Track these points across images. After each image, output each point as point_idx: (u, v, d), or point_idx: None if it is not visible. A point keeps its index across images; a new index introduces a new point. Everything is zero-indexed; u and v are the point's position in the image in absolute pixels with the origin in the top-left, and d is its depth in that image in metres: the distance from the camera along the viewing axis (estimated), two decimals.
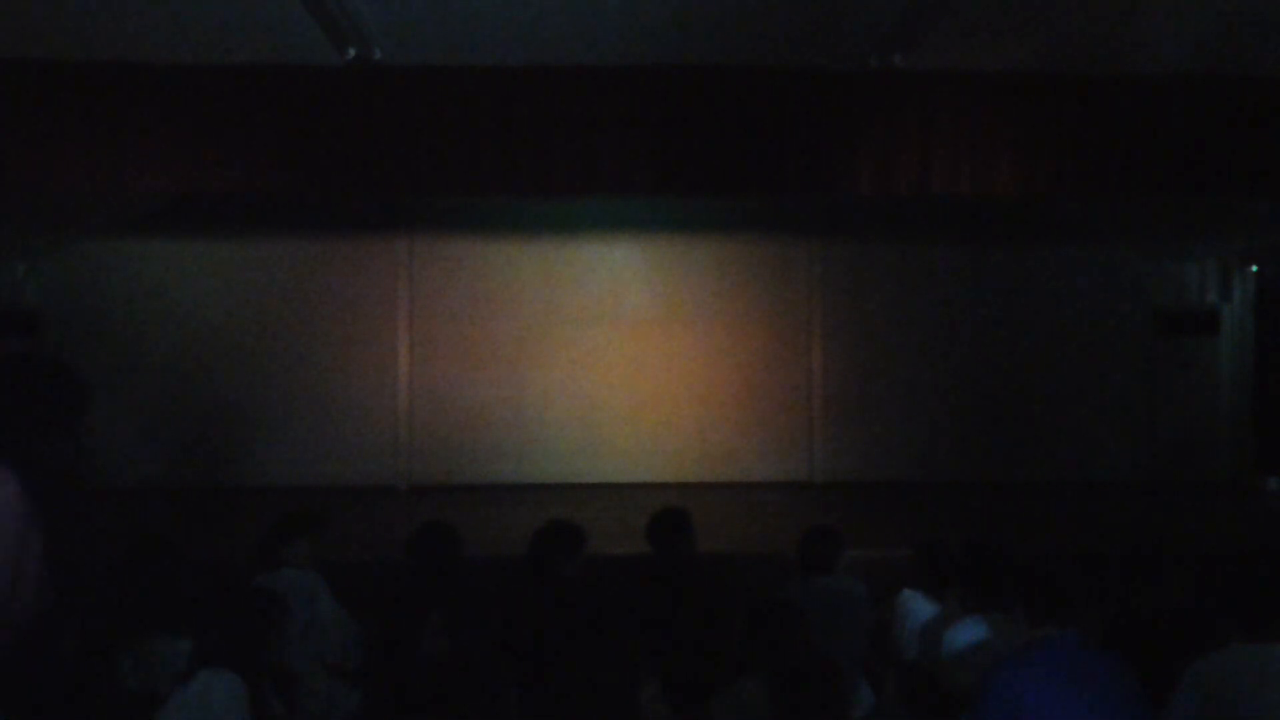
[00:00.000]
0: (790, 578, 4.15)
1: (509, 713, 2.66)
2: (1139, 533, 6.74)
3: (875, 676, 3.85)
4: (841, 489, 8.99)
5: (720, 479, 9.21)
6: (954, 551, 3.88)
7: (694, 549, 4.22)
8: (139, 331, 9.01)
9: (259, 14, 5.50)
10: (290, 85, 6.08)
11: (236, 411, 9.06)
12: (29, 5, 5.39)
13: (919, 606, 3.85)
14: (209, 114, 6.03)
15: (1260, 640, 2.26)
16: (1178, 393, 9.45)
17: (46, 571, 1.93)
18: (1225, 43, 5.75)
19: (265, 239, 9.19)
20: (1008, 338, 9.36)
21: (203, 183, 6.17)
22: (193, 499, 8.28)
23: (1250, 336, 9.31)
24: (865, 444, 9.34)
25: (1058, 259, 9.45)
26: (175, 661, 2.91)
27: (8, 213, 7.74)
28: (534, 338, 9.31)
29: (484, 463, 9.17)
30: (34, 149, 5.95)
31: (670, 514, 4.18)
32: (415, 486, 9.06)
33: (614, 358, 9.32)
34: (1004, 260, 9.46)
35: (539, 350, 9.31)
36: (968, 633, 3.27)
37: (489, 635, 3.44)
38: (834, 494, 8.80)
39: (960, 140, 6.24)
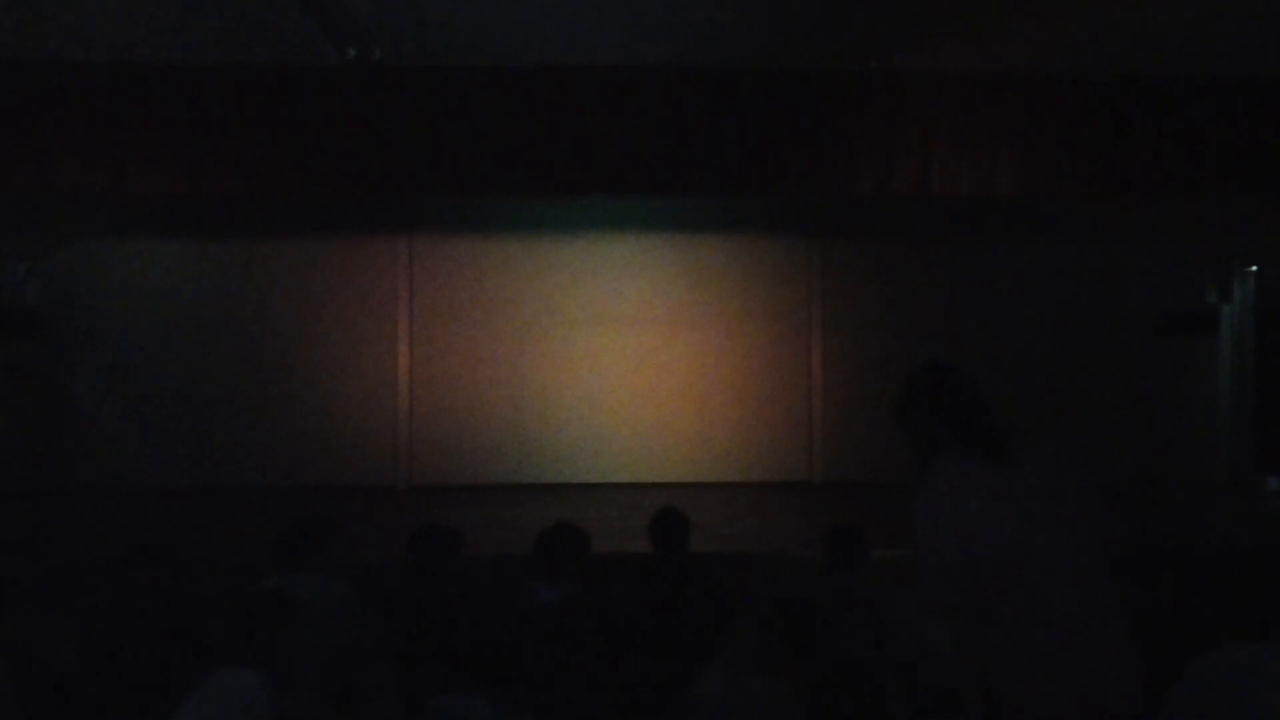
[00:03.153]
0: (804, 576, 4.14)
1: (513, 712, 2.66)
2: (1139, 533, 6.73)
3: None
4: (841, 489, 8.99)
5: (720, 479, 9.21)
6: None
7: (689, 549, 4.22)
8: (139, 331, 9.01)
9: (259, 14, 5.51)
10: (290, 85, 6.08)
11: (236, 411, 9.06)
12: (29, 5, 5.39)
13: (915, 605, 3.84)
14: (209, 114, 6.03)
15: (1259, 640, 2.26)
16: (1178, 393, 9.45)
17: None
18: (1226, 43, 5.75)
19: (265, 239, 9.20)
20: (1007, 338, 9.35)
21: (203, 183, 6.17)
22: (193, 499, 8.28)
23: (1250, 336, 9.31)
24: (865, 444, 9.32)
25: (1058, 259, 9.45)
26: None
27: (8, 213, 7.74)
28: (534, 338, 9.32)
29: (484, 463, 9.17)
30: (34, 149, 5.96)
31: (670, 514, 4.18)
32: (415, 486, 9.06)
33: (614, 358, 9.32)
34: (1004, 260, 9.47)
35: (539, 350, 9.31)
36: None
37: (489, 636, 3.43)
38: (834, 494, 8.80)
39: (960, 140, 6.25)
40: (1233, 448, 9.32)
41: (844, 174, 6.31)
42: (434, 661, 2.81)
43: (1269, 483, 8.94)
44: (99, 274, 9.04)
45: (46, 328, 8.91)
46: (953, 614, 2.34)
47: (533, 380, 9.29)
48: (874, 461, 9.30)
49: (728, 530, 6.79)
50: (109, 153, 6.00)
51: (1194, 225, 8.76)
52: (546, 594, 3.68)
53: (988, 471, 2.32)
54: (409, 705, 2.58)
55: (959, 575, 2.26)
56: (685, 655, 3.51)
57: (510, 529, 6.50)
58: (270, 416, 9.09)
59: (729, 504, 7.97)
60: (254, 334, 9.12)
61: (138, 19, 5.58)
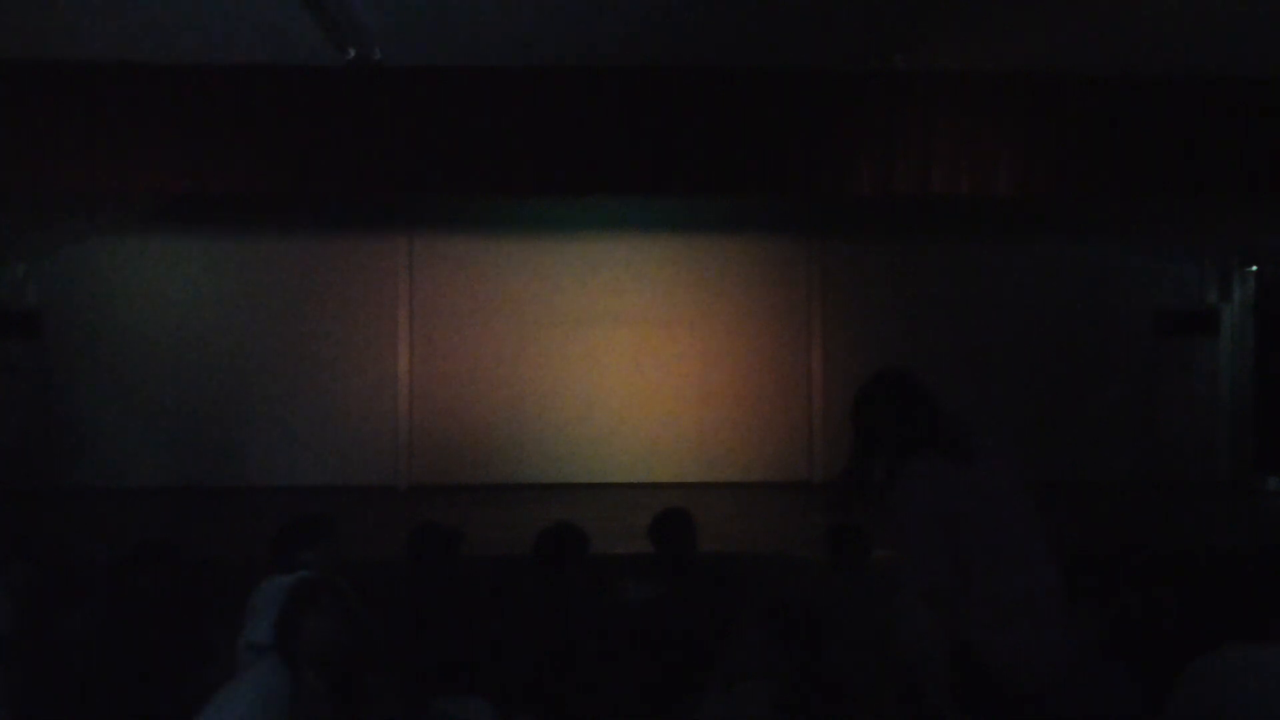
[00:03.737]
0: (804, 576, 4.14)
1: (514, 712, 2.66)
2: (1139, 533, 6.73)
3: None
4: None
5: (720, 479, 9.21)
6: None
7: (696, 549, 4.22)
8: (139, 331, 9.00)
9: (259, 14, 5.51)
10: (290, 85, 6.08)
11: (236, 411, 9.06)
12: (29, 5, 5.39)
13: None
14: (209, 114, 6.03)
15: (1258, 640, 2.26)
16: (1178, 393, 9.45)
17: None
18: (1226, 43, 5.75)
19: (265, 239, 9.19)
20: (1007, 338, 9.35)
21: (203, 183, 6.18)
22: (193, 499, 8.28)
23: (1250, 336, 9.31)
24: None
25: (1058, 259, 9.44)
26: None
27: (8, 213, 7.74)
28: (534, 338, 9.31)
29: (484, 463, 9.16)
30: (34, 149, 5.96)
31: (672, 514, 4.18)
32: (415, 486, 9.06)
33: (614, 358, 9.32)
34: (1003, 260, 9.46)
35: (539, 350, 9.31)
36: None
37: (489, 636, 3.43)
38: (834, 494, 8.78)
39: (960, 140, 6.25)
40: (1233, 448, 9.32)
41: (844, 174, 6.31)
42: (434, 661, 2.82)
43: (1269, 483, 8.94)
44: (99, 274, 9.03)
45: (46, 328, 8.91)
46: (940, 602, 2.47)
47: (533, 380, 9.29)
48: None
49: (728, 530, 6.78)
50: (109, 153, 6.00)
51: (1194, 225, 8.76)
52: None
53: (953, 467, 2.53)
54: (409, 705, 2.58)
55: (945, 565, 2.43)
56: (687, 656, 3.50)
57: (510, 529, 6.50)
58: (270, 416, 9.09)
59: (729, 504, 7.96)
60: (254, 334, 9.12)
61: (138, 19, 5.57)
